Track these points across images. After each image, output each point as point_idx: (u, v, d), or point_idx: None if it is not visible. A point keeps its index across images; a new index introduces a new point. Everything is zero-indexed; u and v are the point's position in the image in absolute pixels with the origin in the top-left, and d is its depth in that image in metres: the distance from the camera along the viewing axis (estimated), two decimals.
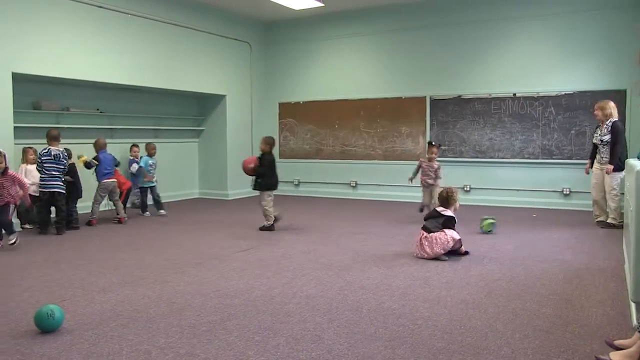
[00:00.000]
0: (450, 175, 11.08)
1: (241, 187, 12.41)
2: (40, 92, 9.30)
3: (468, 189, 10.98)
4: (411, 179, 8.95)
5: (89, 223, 8.49)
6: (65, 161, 7.98)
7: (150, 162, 9.79)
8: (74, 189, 8.34)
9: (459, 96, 10.99)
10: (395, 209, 10.36)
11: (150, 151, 9.99)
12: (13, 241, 6.77)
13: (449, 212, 6.34)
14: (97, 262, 6.02)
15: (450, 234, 6.15)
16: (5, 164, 6.74)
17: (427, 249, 6.11)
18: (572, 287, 4.94)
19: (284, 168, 12.88)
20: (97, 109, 10.29)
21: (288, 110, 12.98)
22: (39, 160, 7.85)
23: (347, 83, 12.22)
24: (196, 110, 12.65)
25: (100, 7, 9.28)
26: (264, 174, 7.96)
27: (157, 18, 10.33)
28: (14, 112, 8.15)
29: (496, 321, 4.00)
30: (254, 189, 8.11)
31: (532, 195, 10.50)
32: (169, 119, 11.79)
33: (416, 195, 11.34)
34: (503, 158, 10.65)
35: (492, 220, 7.84)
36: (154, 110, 11.47)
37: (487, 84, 10.74)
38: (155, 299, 4.59)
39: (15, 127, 8.19)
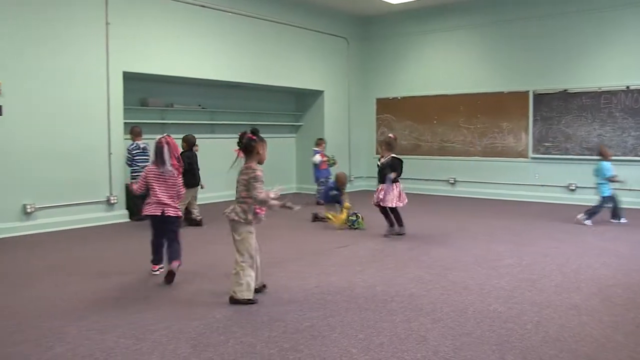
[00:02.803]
0: (554, 173, 10.64)
1: None
2: (147, 89, 9.73)
3: (573, 187, 10.46)
4: None
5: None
6: (149, 152, 8.30)
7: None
8: (191, 178, 7.93)
9: (565, 90, 10.48)
10: (497, 207, 10.04)
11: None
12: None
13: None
14: (195, 254, 6.18)
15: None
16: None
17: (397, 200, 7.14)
18: None
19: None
20: (199, 105, 10.63)
21: (385, 106, 12.88)
22: (129, 155, 8.41)
23: (445, 78, 11.96)
24: (294, 106, 12.81)
25: (203, 6, 9.57)
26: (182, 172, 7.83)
27: (257, 15, 10.53)
28: (123, 109, 8.59)
29: (615, 331, 3.75)
30: None
31: None
32: (267, 115, 11.99)
33: (518, 193, 10.97)
34: (614, 155, 9.99)
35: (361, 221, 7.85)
36: (253, 106, 11.71)
37: (596, 76, 10.16)
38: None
39: (124, 123, 8.61)
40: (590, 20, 10.17)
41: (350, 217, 7.79)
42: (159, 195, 5.10)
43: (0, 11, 7.16)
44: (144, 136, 8.75)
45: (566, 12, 10.39)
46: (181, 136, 8.57)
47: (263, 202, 4.32)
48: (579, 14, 10.26)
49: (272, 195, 4.30)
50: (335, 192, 8.40)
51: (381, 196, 7.15)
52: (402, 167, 7.28)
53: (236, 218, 4.31)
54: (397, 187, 7.20)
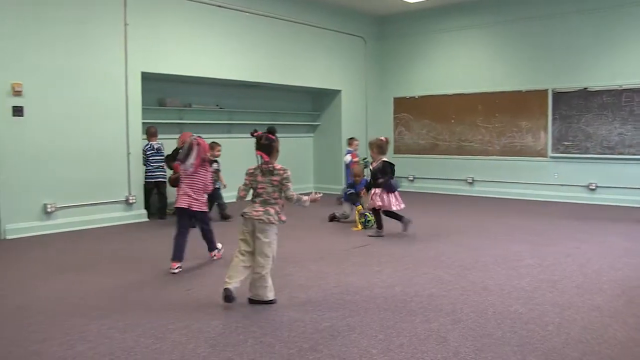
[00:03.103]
0: (574, 173, 10.52)
1: None
2: (165, 89, 9.77)
3: (594, 187, 10.33)
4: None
5: None
6: (163, 152, 8.66)
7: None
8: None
9: (585, 88, 10.35)
10: (516, 207, 9.95)
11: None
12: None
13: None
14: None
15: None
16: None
17: (394, 202, 7.11)
18: None
19: (398, 163, 12.69)
20: (217, 105, 10.66)
21: (403, 105, 12.83)
22: (144, 156, 8.62)
23: (463, 77, 11.89)
24: (311, 105, 12.81)
25: (220, 6, 9.60)
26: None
27: (274, 15, 10.55)
28: (142, 109, 8.65)
29: (639, 333, 3.70)
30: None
31: None
32: (285, 114, 11.99)
33: (537, 193, 10.87)
34: (635, 154, 9.89)
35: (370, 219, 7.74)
36: (271, 105, 11.72)
37: (617, 74, 10.00)
38: (277, 292, 4.60)
39: (142, 123, 8.66)
40: (611, 17, 10.04)
41: (360, 220, 7.77)
42: (186, 190, 5.57)
43: (20, 12, 7.23)
44: (162, 136, 8.82)
45: (587, 9, 10.26)
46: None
47: (298, 201, 4.38)
48: (599, 11, 10.13)
49: (316, 197, 4.56)
50: (351, 191, 8.30)
51: (379, 202, 7.10)
52: (393, 170, 7.29)
53: (274, 220, 4.30)
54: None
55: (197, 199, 5.58)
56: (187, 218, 5.60)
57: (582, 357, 3.29)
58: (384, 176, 7.16)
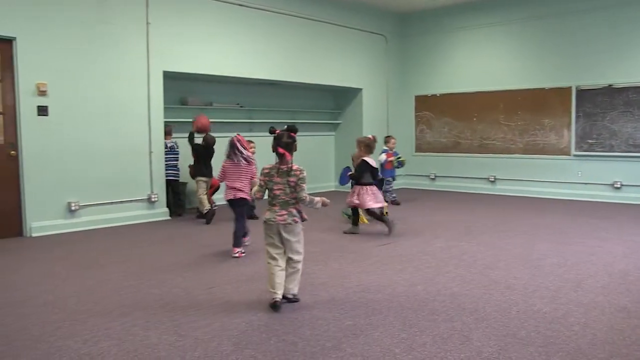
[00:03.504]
0: (598, 171, 10.38)
1: None
2: (186, 88, 9.83)
3: (619, 185, 10.17)
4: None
5: None
6: (178, 151, 8.91)
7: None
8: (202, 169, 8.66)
9: (609, 85, 10.19)
10: (538, 205, 9.84)
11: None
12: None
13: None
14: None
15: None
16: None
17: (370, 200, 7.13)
18: None
19: (420, 162, 12.72)
20: (238, 104, 10.69)
21: (424, 103, 12.76)
22: None
23: (485, 74, 11.78)
24: (332, 103, 12.79)
25: (242, 5, 9.62)
26: (195, 159, 8.47)
27: (294, 13, 10.54)
28: (164, 108, 8.70)
29: None
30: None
31: None
32: (305, 113, 12.00)
33: (560, 191, 10.74)
34: None
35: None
36: (291, 104, 11.73)
37: None
38: (299, 290, 4.59)
39: (164, 122, 8.72)
40: (635, 14, 9.86)
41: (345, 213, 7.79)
42: (234, 183, 6.13)
43: (42, 12, 7.30)
44: (185, 134, 8.87)
45: (609, 5, 10.09)
46: (221, 135, 8.72)
47: (310, 203, 4.32)
48: (623, 7, 9.95)
49: (327, 201, 4.43)
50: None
51: (356, 200, 7.20)
52: (373, 172, 7.29)
53: (298, 220, 4.28)
54: (370, 189, 7.22)
55: (241, 190, 6.13)
56: (234, 206, 6.20)
57: (609, 358, 3.24)
58: (357, 174, 7.26)
